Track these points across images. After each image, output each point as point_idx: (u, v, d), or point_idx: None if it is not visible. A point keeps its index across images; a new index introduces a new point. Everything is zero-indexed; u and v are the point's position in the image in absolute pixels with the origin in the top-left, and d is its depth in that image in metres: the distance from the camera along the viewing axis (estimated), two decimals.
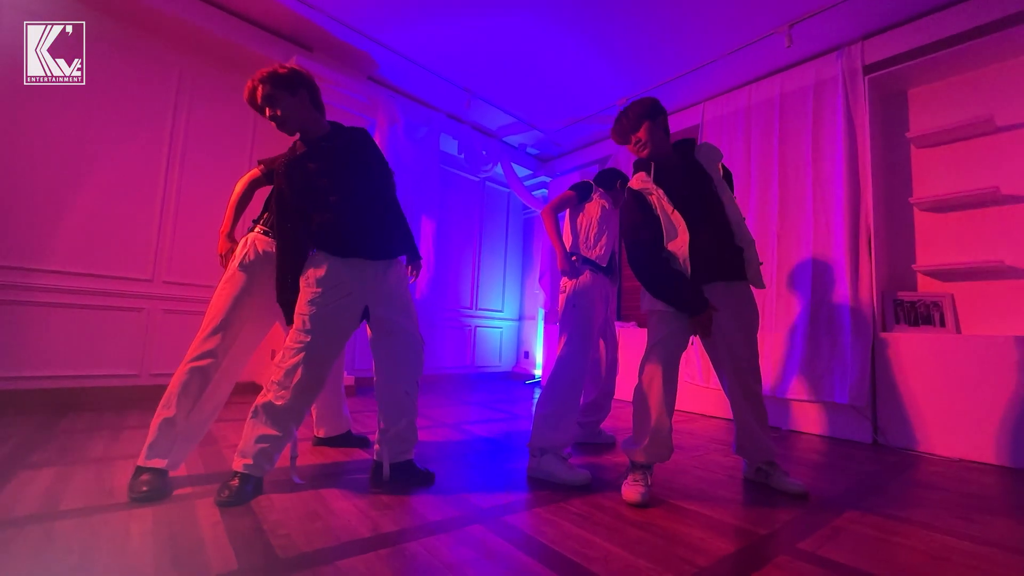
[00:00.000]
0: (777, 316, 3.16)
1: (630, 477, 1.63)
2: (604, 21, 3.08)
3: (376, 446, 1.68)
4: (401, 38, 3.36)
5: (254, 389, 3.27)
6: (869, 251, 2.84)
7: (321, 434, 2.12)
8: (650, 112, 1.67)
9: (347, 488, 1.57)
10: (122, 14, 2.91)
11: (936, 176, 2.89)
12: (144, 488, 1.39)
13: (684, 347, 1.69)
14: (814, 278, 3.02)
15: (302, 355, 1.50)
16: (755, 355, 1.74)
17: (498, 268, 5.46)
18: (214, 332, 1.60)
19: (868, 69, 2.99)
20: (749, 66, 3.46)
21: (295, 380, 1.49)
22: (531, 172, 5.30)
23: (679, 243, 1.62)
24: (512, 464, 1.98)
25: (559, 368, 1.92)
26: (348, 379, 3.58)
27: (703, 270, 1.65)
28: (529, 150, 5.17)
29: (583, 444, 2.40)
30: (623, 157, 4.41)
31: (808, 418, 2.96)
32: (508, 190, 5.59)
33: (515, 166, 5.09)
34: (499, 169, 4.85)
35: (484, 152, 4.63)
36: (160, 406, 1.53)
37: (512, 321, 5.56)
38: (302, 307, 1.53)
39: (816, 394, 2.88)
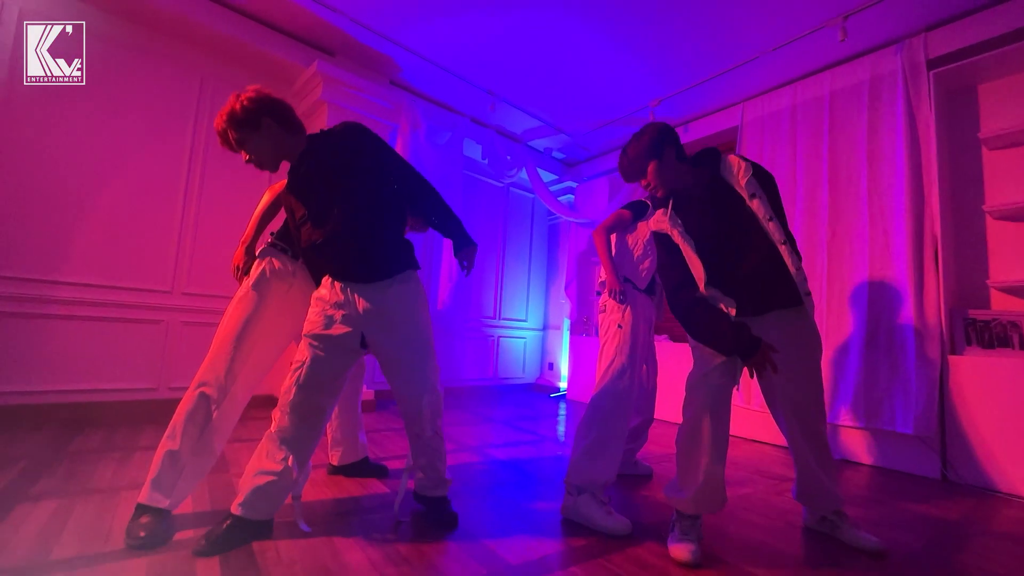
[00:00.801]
0: (827, 334, 2.90)
1: (677, 530, 1.44)
2: (634, 16, 2.88)
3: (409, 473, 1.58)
4: (423, 39, 3.24)
5: (271, 402, 3.18)
6: (936, 264, 2.56)
7: (335, 461, 1.99)
8: (653, 150, 1.44)
9: (362, 533, 1.42)
10: (144, 20, 2.86)
11: (1012, 181, 2.59)
12: (141, 534, 1.27)
13: (736, 382, 1.48)
14: (871, 293, 2.75)
15: (297, 375, 1.40)
16: (819, 390, 1.51)
17: (522, 276, 5.30)
18: (223, 356, 1.49)
19: (932, 64, 2.72)
20: (794, 62, 3.21)
21: (290, 400, 1.39)
22: (557, 177, 5.12)
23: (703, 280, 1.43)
24: (543, 503, 1.80)
25: (604, 393, 1.74)
26: (368, 393, 3.46)
27: (750, 303, 1.44)
28: (555, 154, 5.00)
29: (619, 475, 2.20)
30: None
31: (864, 447, 2.70)
32: (533, 196, 5.42)
33: (540, 171, 4.92)
34: (524, 174, 4.69)
35: (508, 157, 4.48)
36: (165, 436, 1.41)
37: (536, 331, 5.38)
38: (305, 324, 1.46)
39: (873, 421, 2.62)
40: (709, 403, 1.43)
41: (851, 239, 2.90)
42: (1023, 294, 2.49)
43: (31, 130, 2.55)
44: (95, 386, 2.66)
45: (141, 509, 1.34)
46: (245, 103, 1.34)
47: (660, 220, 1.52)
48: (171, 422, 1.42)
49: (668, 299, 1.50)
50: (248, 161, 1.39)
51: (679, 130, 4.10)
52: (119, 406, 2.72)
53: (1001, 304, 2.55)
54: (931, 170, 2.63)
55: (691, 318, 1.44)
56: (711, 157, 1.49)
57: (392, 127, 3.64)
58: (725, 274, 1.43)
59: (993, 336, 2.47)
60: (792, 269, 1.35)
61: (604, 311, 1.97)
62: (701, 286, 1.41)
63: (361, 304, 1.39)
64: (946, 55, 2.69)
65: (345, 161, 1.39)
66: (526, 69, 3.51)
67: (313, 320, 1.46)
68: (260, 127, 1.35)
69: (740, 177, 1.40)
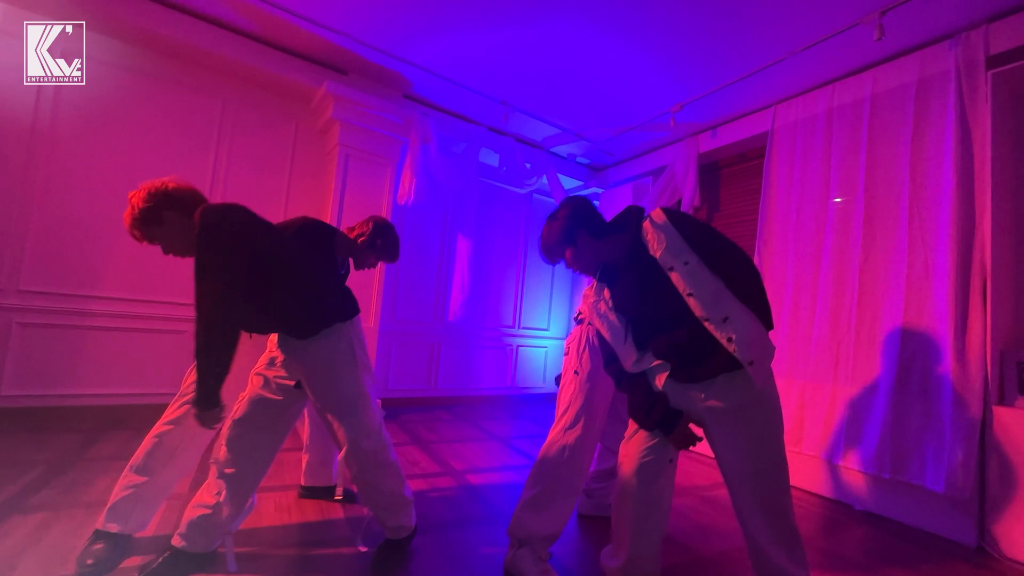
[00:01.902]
0: (855, 368, 2.60)
1: None
2: (651, 18, 2.68)
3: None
4: (432, 55, 3.22)
5: None
6: (983, 297, 2.21)
7: (303, 481, 2.06)
8: (566, 238, 1.38)
9: (293, 572, 1.46)
10: (171, 52, 3.07)
11: None
12: (89, 561, 1.38)
13: (669, 457, 1.35)
14: (905, 328, 2.43)
15: (235, 410, 1.47)
16: (775, 462, 1.29)
17: (544, 284, 5.21)
18: (185, 398, 1.59)
19: (993, 61, 2.32)
20: (833, 60, 2.86)
21: (227, 435, 1.44)
22: (582, 183, 4.96)
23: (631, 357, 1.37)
24: (493, 548, 1.76)
25: (553, 444, 1.67)
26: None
27: (684, 371, 1.32)
28: (579, 160, 4.84)
29: (590, 517, 2.11)
30: (679, 168, 3.95)
31: (889, 499, 2.40)
32: (556, 201, 5.30)
33: (564, 178, 4.79)
34: (545, 181, 4.58)
35: (528, 165, 4.39)
36: (128, 467, 1.52)
37: (558, 340, 5.28)
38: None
39: (900, 472, 2.32)
40: (636, 479, 1.33)
41: (887, 265, 2.57)
42: None
43: (70, 159, 2.83)
44: (125, 391, 2.94)
45: (96, 535, 1.45)
46: (141, 200, 1.33)
47: (587, 295, 1.47)
48: (136, 453, 1.53)
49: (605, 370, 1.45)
50: (166, 252, 1.40)
51: (706, 135, 3.83)
52: (146, 409, 2.97)
53: None
54: (984, 188, 2.26)
55: (621, 391, 1.40)
56: (633, 220, 1.37)
57: (403, 141, 3.68)
58: (656, 343, 1.33)
59: None
60: (724, 341, 1.20)
61: (567, 353, 1.88)
62: (627, 363, 1.34)
63: (289, 356, 1.42)
64: (1012, 51, 2.29)
65: (209, 253, 1.32)
66: (540, 78, 3.41)
67: (261, 359, 1.53)
68: (163, 221, 1.34)
69: (654, 249, 1.28)
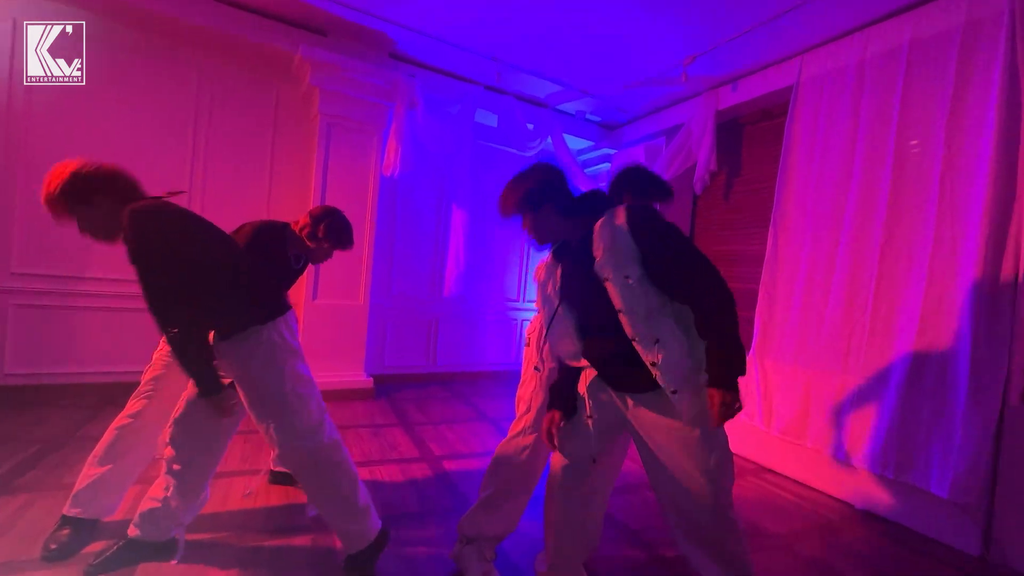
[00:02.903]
0: (867, 358, 2.50)
1: None
2: None
3: None
4: (416, 12, 3.11)
5: None
6: (1014, 288, 2.05)
7: (273, 466, 2.21)
8: (531, 202, 1.31)
9: (239, 566, 1.60)
10: (140, 22, 3.10)
11: None
12: (52, 546, 1.56)
13: (591, 456, 1.36)
14: (924, 313, 2.30)
15: (176, 409, 1.56)
16: (704, 497, 1.25)
17: None
18: (143, 393, 1.75)
19: None
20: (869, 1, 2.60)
21: (170, 433, 1.54)
22: (593, 143, 4.80)
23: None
24: (444, 549, 1.86)
25: (509, 444, 1.72)
26: (367, 381, 3.71)
27: (612, 382, 1.34)
28: (589, 117, 4.66)
29: None
30: (695, 126, 3.75)
31: (889, 500, 2.36)
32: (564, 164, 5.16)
33: (572, 139, 4.64)
34: (551, 143, 4.44)
35: (530, 126, 4.27)
36: (91, 456, 1.68)
37: None
38: None
39: (904, 474, 2.27)
40: (562, 477, 1.37)
41: (910, 245, 2.41)
42: None
43: (47, 137, 2.97)
44: (120, 368, 3.18)
45: (63, 521, 1.63)
46: (73, 182, 1.38)
47: (539, 268, 1.44)
48: (98, 444, 1.70)
49: None
50: (82, 232, 1.46)
51: (726, 90, 3.59)
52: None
53: None
54: None
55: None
56: (591, 207, 1.31)
57: (389, 107, 3.64)
58: (589, 344, 1.32)
59: None
60: (648, 363, 1.18)
61: (528, 345, 1.89)
62: (564, 352, 1.38)
63: (217, 355, 1.49)
64: None
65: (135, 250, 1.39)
66: (534, 30, 3.24)
67: None
68: (91, 204, 1.41)
69: (595, 252, 1.23)
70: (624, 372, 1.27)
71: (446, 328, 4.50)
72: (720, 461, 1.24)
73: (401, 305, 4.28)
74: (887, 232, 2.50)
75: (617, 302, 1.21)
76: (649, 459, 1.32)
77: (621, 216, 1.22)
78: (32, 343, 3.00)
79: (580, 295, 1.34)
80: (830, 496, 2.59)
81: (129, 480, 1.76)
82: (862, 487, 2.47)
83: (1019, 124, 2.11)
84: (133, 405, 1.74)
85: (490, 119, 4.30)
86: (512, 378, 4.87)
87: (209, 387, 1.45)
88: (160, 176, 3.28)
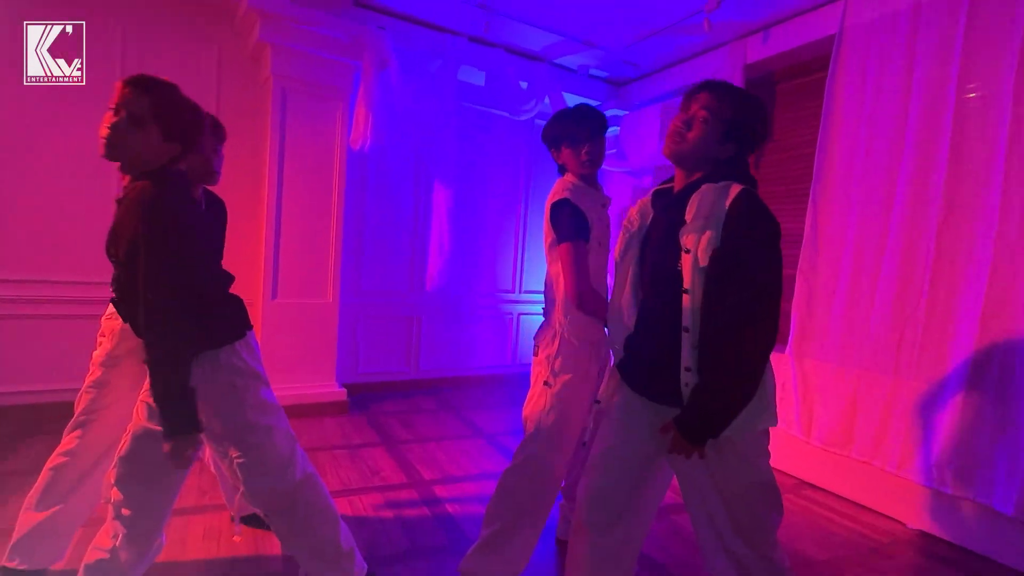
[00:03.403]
0: (921, 357, 2.56)
1: None
2: None
3: None
4: None
5: None
6: None
7: (231, 511, 2.18)
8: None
9: None
10: None
11: None
12: None
13: (645, 466, 1.39)
14: (987, 304, 2.35)
15: (120, 446, 1.54)
16: (749, 534, 1.32)
17: None
18: (78, 423, 1.74)
19: None
20: None
21: (116, 474, 1.51)
22: (599, 103, 4.76)
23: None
24: None
25: (516, 471, 1.76)
26: (339, 392, 3.73)
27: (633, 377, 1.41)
28: (593, 72, 4.62)
29: (560, 541, 2.24)
30: None
31: (945, 517, 2.45)
32: None
33: (574, 98, 4.58)
34: (548, 103, 4.41)
35: (524, 85, 4.23)
36: (27, 500, 1.69)
37: None
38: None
39: (963, 488, 2.35)
40: (592, 517, 1.41)
41: (973, 222, 2.45)
42: None
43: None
44: (40, 387, 3.17)
45: (4, 572, 1.64)
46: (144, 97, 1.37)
47: (632, 211, 1.48)
48: (33, 487, 1.70)
49: None
50: (108, 134, 1.38)
51: (755, 40, 3.58)
52: (63, 408, 3.20)
53: None
54: None
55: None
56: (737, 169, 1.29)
57: (355, 67, 3.59)
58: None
59: None
60: (682, 368, 1.21)
61: (536, 354, 1.91)
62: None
63: None
64: None
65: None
66: None
67: (145, 383, 1.60)
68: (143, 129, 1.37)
69: (687, 215, 1.22)
70: (657, 371, 1.31)
71: (429, 327, 4.52)
72: (760, 479, 1.30)
73: (375, 302, 4.27)
74: (946, 209, 2.53)
75: (687, 280, 1.21)
76: (679, 473, 1.38)
77: (741, 198, 1.18)
78: None
79: (650, 256, 1.38)
80: (879, 513, 2.67)
81: (77, 522, 1.77)
82: (916, 503, 2.55)
83: None
84: (68, 441, 1.74)
85: (476, 77, 4.25)
86: (508, 383, 4.91)
87: (184, 425, 1.37)
88: (79, 150, 3.22)
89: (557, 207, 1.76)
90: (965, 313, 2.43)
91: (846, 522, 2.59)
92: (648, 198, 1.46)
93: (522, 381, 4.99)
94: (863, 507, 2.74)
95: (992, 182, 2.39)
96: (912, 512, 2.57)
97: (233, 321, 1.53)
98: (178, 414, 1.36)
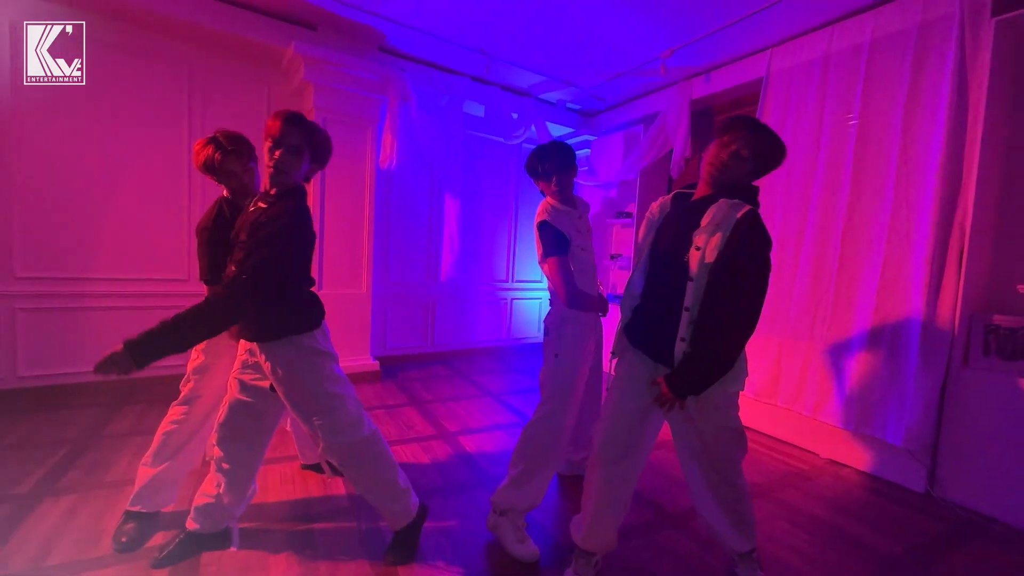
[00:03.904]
0: (831, 327, 2.68)
1: (572, 568, 1.53)
2: None
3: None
4: (406, 7, 3.02)
5: None
6: (959, 260, 2.23)
7: (303, 460, 2.24)
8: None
9: (294, 548, 1.66)
10: (124, 16, 2.90)
11: None
12: (123, 539, 1.59)
13: (645, 413, 1.44)
14: (881, 286, 2.47)
15: (220, 414, 1.58)
16: (720, 466, 1.46)
17: None
18: (182, 402, 1.76)
19: (998, 7, 2.16)
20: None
21: (216, 437, 1.55)
22: (572, 130, 4.79)
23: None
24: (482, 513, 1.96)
25: (535, 425, 1.79)
26: (373, 364, 3.74)
27: (643, 342, 1.46)
28: (569, 105, 4.64)
29: (569, 477, 2.31)
30: (671, 116, 3.79)
31: (849, 448, 2.59)
32: None
33: (553, 125, 4.62)
34: (534, 131, 4.42)
35: (515, 115, 4.24)
36: (145, 457, 1.70)
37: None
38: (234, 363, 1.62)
39: (862, 426, 2.48)
40: (602, 433, 1.48)
41: (870, 224, 2.56)
42: None
43: (43, 141, 2.79)
44: None
45: (127, 516, 1.65)
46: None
47: (655, 206, 1.54)
48: (151, 445, 1.70)
49: None
50: (277, 162, 1.40)
51: (699, 80, 3.64)
52: (152, 381, 3.15)
53: None
54: (974, 147, 2.20)
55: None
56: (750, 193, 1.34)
57: (382, 101, 3.55)
58: (645, 300, 1.47)
59: (1016, 347, 2.17)
60: (678, 339, 1.28)
61: (547, 333, 1.95)
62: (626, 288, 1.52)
63: (261, 359, 1.49)
64: None
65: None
66: (522, 24, 3.19)
67: (236, 362, 1.60)
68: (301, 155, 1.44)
69: (703, 219, 1.28)
70: (657, 340, 1.37)
71: (442, 310, 4.53)
72: (732, 434, 1.39)
73: (399, 291, 4.27)
74: (849, 215, 2.64)
75: (694, 270, 1.28)
76: (676, 426, 1.47)
77: (747, 217, 1.24)
78: (42, 345, 2.89)
79: (668, 246, 1.40)
80: (800, 447, 2.81)
81: (183, 475, 1.78)
82: (828, 439, 2.69)
83: (965, 115, 2.25)
84: (175, 412, 1.74)
85: (476, 109, 4.24)
86: (504, 353, 4.96)
87: (152, 357, 1.24)
88: (157, 176, 3.15)
89: (540, 228, 1.79)
90: (864, 293, 2.55)
91: (774, 455, 2.71)
92: (669, 197, 1.51)
93: (516, 352, 5.05)
94: (787, 443, 2.87)
95: (885, 194, 2.50)
96: (825, 446, 2.70)
97: (315, 312, 1.55)
98: (157, 344, 1.25)
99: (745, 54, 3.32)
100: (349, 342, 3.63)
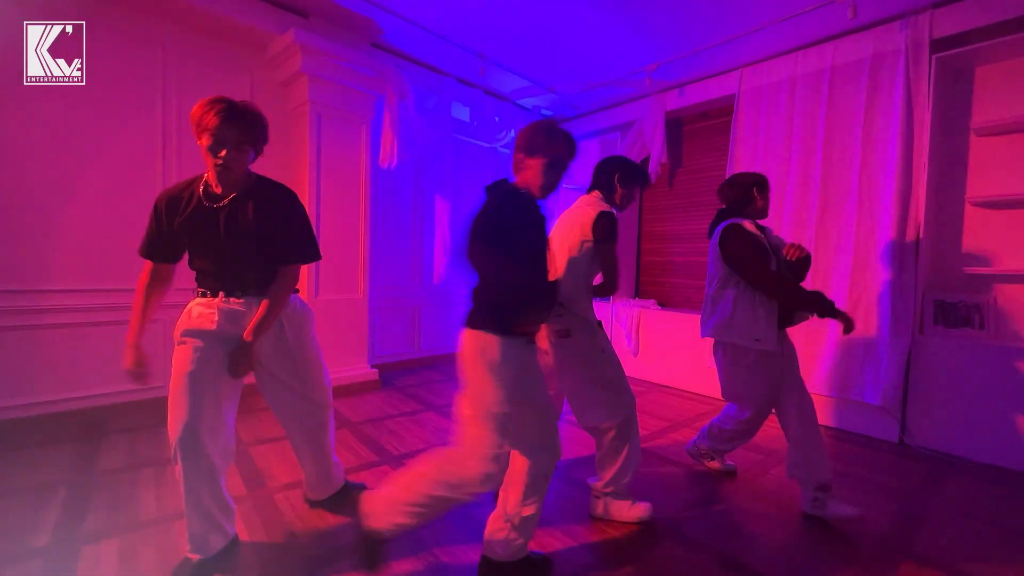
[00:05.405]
0: None
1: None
2: None
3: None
4: (405, 1, 2.96)
5: None
6: (916, 249, 2.73)
7: (311, 496, 1.87)
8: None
9: None
10: None
11: (995, 169, 2.71)
12: None
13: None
14: (853, 273, 2.93)
15: None
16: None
17: None
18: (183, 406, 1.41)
19: (936, 46, 2.70)
20: (799, 29, 3.11)
21: None
22: None
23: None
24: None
25: (620, 414, 1.84)
26: (372, 373, 3.55)
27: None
28: (544, 112, 4.81)
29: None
30: (648, 125, 4.11)
31: (831, 411, 3.02)
32: None
33: None
34: (513, 135, 4.51)
35: (497, 119, 4.30)
36: (183, 499, 1.38)
37: None
38: None
39: (845, 391, 2.91)
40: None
41: (839, 219, 3.03)
42: (991, 280, 2.70)
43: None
44: (102, 391, 2.66)
45: (187, 562, 1.40)
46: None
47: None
48: (182, 487, 1.37)
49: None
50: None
51: (673, 93, 4.00)
52: (130, 407, 2.74)
53: (970, 288, 2.77)
54: (922, 155, 2.72)
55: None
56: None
57: (378, 97, 3.42)
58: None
59: (958, 317, 2.72)
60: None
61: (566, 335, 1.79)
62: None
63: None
64: (951, 37, 2.67)
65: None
66: (519, 32, 3.28)
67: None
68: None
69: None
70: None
71: (427, 314, 4.42)
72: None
73: (385, 295, 4.09)
74: (820, 215, 3.09)
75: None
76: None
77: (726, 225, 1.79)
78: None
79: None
80: None
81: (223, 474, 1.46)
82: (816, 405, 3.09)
83: (912, 134, 2.76)
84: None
85: (459, 112, 4.23)
86: None
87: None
88: (127, 166, 2.74)
89: (609, 216, 1.83)
90: (838, 281, 3.01)
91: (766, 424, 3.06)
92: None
93: None
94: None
95: (850, 194, 2.98)
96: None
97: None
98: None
99: (718, 72, 3.72)
100: (347, 350, 3.42)
